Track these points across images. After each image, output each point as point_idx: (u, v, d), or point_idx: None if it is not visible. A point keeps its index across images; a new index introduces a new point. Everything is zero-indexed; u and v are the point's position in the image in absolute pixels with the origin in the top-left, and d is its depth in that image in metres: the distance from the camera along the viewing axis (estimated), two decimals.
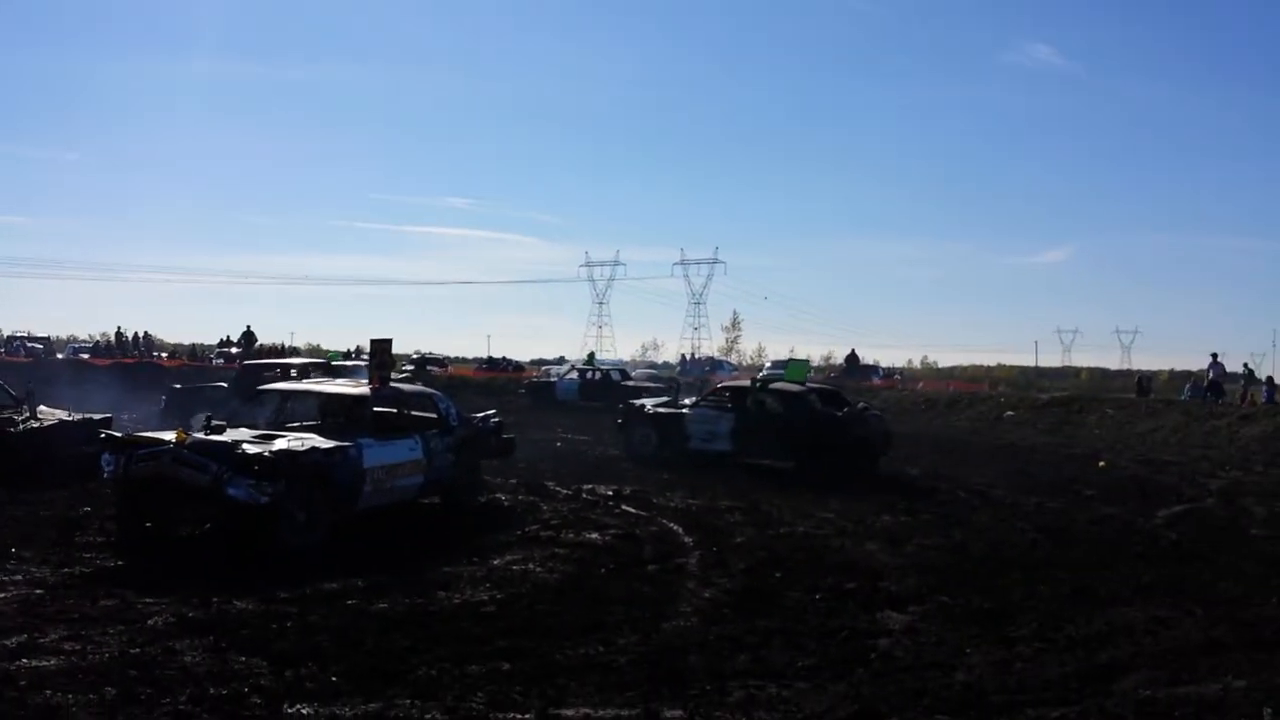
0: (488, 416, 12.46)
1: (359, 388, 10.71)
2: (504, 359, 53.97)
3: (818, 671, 5.89)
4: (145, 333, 47.74)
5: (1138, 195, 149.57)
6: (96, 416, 12.75)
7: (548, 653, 6.01)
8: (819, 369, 59.95)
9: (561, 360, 53.54)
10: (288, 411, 11.02)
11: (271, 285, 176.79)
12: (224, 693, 5.10)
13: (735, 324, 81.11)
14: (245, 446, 8.67)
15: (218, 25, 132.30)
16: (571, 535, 9.79)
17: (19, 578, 7.43)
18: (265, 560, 8.06)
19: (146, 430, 10.83)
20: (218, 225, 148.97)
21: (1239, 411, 26.29)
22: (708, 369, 48.12)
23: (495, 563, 8.48)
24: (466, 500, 11.20)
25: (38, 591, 7.07)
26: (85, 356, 40.42)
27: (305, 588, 7.28)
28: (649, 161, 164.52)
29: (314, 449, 9.01)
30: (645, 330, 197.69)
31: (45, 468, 11.23)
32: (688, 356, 61.75)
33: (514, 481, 13.03)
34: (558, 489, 12.72)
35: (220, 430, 9.14)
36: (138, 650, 5.76)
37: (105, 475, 8.95)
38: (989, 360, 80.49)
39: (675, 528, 10.37)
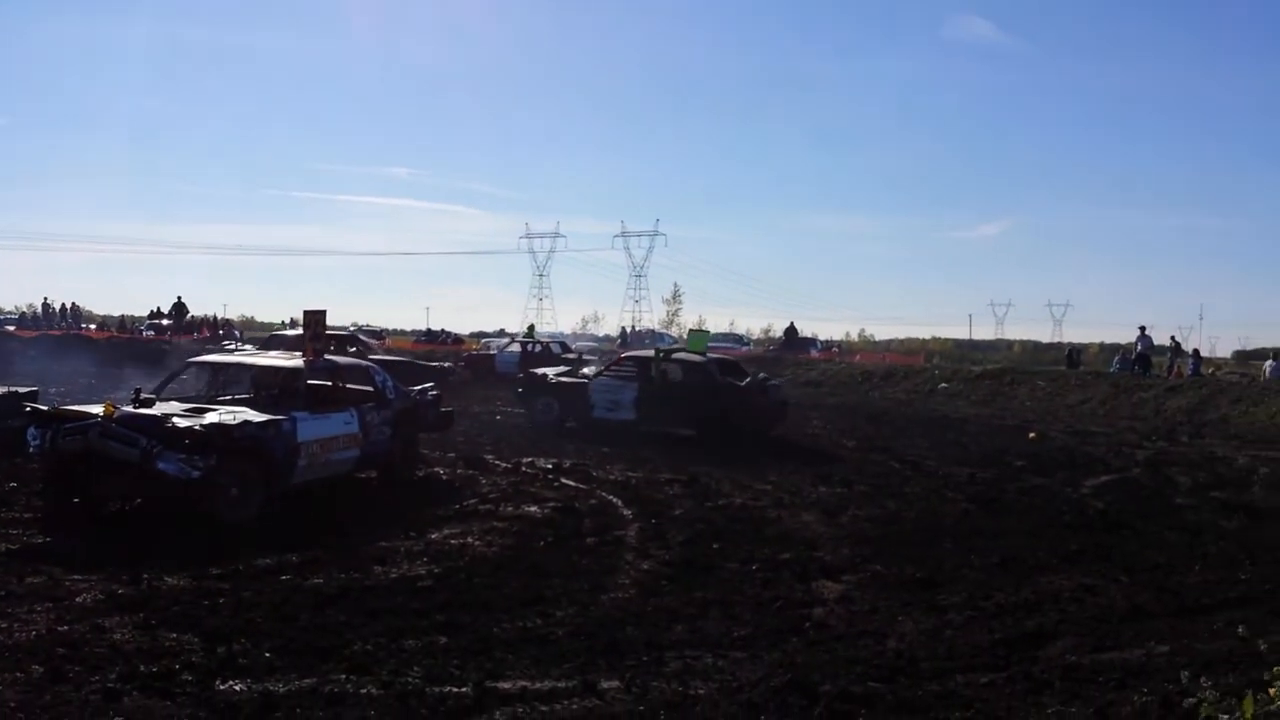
0: (426, 389, 12.36)
1: (292, 360, 10.54)
2: (443, 331, 53.46)
3: (753, 641, 5.97)
4: (73, 304, 46.79)
5: (1072, 170, 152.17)
6: (22, 390, 12.39)
7: (485, 626, 6.01)
8: (758, 341, 60.60)
9: (502, 333, 53.18)
10: (220, 385, 10.82)
11: (204, 255, 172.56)
12: (154, 670, 5.02)
13: (676, 296, 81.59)
14: (176, 420, 8.51)
15: None
16: (510, 509, 9.77)
17: None
18: (197, 536, 7.91)
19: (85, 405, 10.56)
20: (148, 193, 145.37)
21: (1166, 384, 27.03)
22: (648, 341, 48.15)
23: (433, 537, 8.44)
24: (404, 474, 11.12)
25: None
26: (10, 328, 39.42)
27: (238, 564, 7.18)
28: (591, 133, 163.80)
29: (247, 422, 8.87)
30: (586, 303, 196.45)
31: None
32: (628, 329, 61.69)
33: (452, 455, 12.96)
34: (497, 462, 12.68)
35: (150, 404, 8.96)
36: (66, 628, 5.65)
37: (31, 450, 8.72)
38: (925, 333, 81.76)
39: (614, 500, 10.41)
